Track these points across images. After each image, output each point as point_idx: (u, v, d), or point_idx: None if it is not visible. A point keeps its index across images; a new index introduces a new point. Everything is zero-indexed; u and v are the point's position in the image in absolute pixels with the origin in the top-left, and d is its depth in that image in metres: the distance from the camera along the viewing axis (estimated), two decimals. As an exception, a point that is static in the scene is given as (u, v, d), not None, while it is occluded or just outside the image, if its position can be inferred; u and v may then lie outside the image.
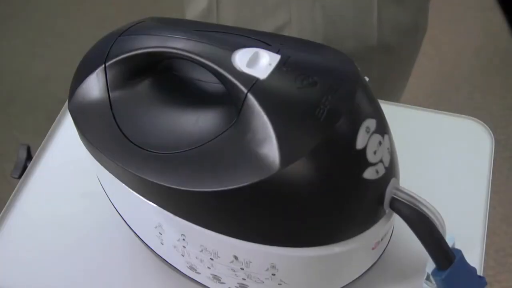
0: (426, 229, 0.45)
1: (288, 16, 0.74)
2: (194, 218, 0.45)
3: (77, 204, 0.61)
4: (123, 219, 0.56)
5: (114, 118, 0.49)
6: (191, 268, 0.51)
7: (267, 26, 0.76)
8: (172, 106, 0.52)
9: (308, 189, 0.42)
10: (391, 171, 0.46)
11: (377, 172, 0.44)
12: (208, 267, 0.49)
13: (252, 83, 0.44)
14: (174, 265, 0.53)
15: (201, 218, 0.45)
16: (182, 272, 0.53)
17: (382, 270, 0.54)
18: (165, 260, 0.54)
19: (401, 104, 0.69)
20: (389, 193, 0.46)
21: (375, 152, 0.44)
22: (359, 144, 0.43)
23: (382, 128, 0.45)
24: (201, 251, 0.47)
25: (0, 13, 1.94)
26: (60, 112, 0.69)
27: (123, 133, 0.48)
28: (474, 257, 0.55)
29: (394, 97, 0.91)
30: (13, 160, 0.65)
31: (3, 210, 0.61)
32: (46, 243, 0.59)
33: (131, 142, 0.47)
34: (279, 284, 0.48)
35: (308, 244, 0.45)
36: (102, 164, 0.50)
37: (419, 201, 0.45)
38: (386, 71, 0.83)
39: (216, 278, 0.50)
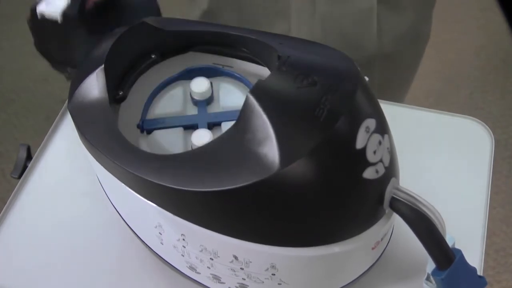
0: (426, 229, 0.45)
1: (287, 25, 0.74)
2: (194, 218, 0.45)
3: (77, 204, 0.61)
4: (123, 219, 0.56)
5: (114, 118, 0.49)
6: (191, 268, 0.51)
7: None
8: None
9: (308, 189, 0.42)
10: (391, 170, 0.46)
11: (377, 171, 0.44)
12: (208, 267, 0.49)
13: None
14: (174, 265, 0.53)
15: (201, 218, 0.45)
16: (182, 272, 0.53)
17: (382, 270, 0.54)
18: (165, 260, 0.54)
19: (401, 104, 0.69)
20: (389, 192, 0.46)
21: (375, 152, 0.44)
22: (359, 144, 0.43)
23: (382, 128, 0.45)
24: (201, 251, 0.47)
25: (0, 13, 1.94)
26: (60, 112, 0.69)
27: (122, 133, 0.48)
28: (474, 257, 0.55)
29: (396, 101, 0.91)
30: (13, 160, 0.65)
31: (3, 210, 0.61)
32: (46, 243, 0.59)
33: (131, 142, 0.47)
34: (279, 284, 0.48)
35: (308, 244, 0.45)
36: (102, 164, 0.49)
37: (419, 201, 0.45)
38: (387, 77, 0.83)
39: (216, 278, 0.50)
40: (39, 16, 0.52)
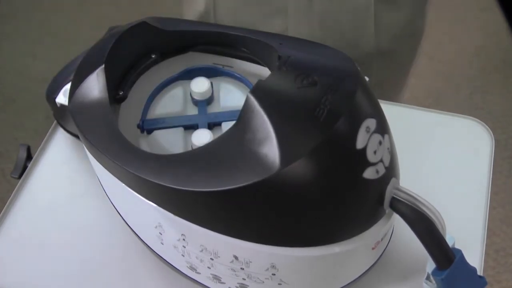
0: (426, 229, 0.45)
1: (285, 23, 0.74)
2: (194, 218, 0.45)
3: (77, 204, 0.61)
4: (123, 219, 0.56)
5: (114, 118, 0.49)
6: (191, 268, 0.51)
7: None
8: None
9: (308, 189, 0.42)
10: (391, 171, 0.46)
11: (377, 172, 0.44)
12: (208, 267, 0.49)
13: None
14: (174, 265, 0.53)
15: (201, 218, 0.45)
16: (182, 272, 0.53)
17: (382, 270, 0.54)
18: (165, 260, 0.54)
19: (401, 104, 0.69)
20: (389, 192, 0.46)
21: (375, 152, 0.44)
22: (359, 144, 0.43)
23: (382, 128, 0.45)
24: (201, 251, 0.47)
25: (0, 13, 1.94)
26: (60, 112, 0.69)
27: (123, 133, 0.48)
28: (474, 257, 0.55)
29: (394, 99, 0.91)
30: (13, 160, 0.65)
31: (3, 210, 0.61)
32: (45, 243, 0.59)
33: (131, 142, 0.47)
34: (279, 284, 0.48)
35: (308, 244, 0.45)
36: (102, 164, 0.49)
37: (419, 201, 0.45)
38: (384, 75, 0.83)
39: (216, 278, 0.50)
40: (58, 105, 0.58)
